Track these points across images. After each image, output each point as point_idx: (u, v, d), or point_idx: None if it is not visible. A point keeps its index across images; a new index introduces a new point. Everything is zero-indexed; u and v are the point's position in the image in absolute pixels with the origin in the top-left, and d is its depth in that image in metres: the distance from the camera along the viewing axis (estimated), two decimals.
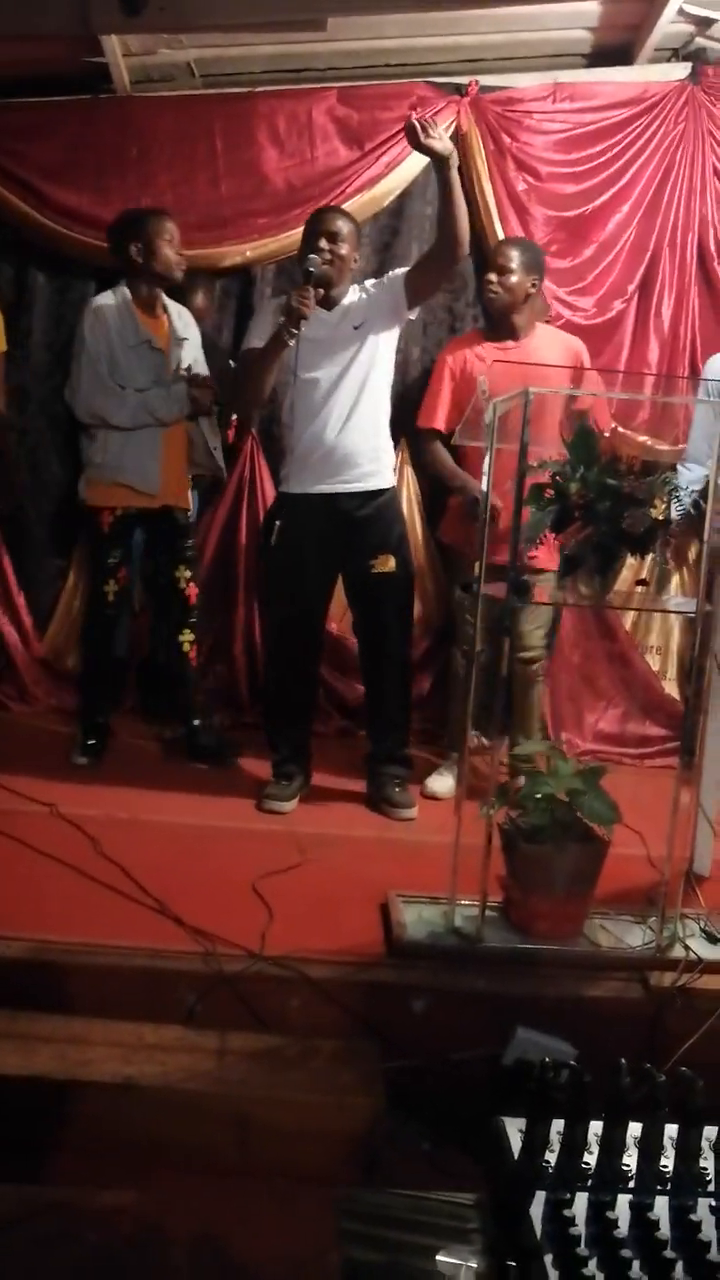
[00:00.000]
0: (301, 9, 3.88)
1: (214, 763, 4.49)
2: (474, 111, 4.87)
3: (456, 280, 4.95)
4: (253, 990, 2.99)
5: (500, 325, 4.40)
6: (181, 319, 4.43)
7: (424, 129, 3.67)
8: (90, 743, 4.48)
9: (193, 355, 4.40)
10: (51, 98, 4.78)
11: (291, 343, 3.87)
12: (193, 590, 4.51)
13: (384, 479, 4.11)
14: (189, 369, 4.34)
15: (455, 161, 3.84)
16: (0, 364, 4.60)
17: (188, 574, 4.49)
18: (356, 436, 4.02)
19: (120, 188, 4.74)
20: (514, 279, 4.27)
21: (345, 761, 4.47)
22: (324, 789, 4.32)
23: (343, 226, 4.00)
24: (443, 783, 4.42)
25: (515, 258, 4.28)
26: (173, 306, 4.44)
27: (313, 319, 3.90)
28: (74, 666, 5.04)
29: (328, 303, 3.99)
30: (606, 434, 4.23)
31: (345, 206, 4.61)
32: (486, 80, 4.90)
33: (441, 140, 3.74)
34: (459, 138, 4.85)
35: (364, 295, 4.05)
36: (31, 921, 3.14)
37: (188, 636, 4.52)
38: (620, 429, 4.82)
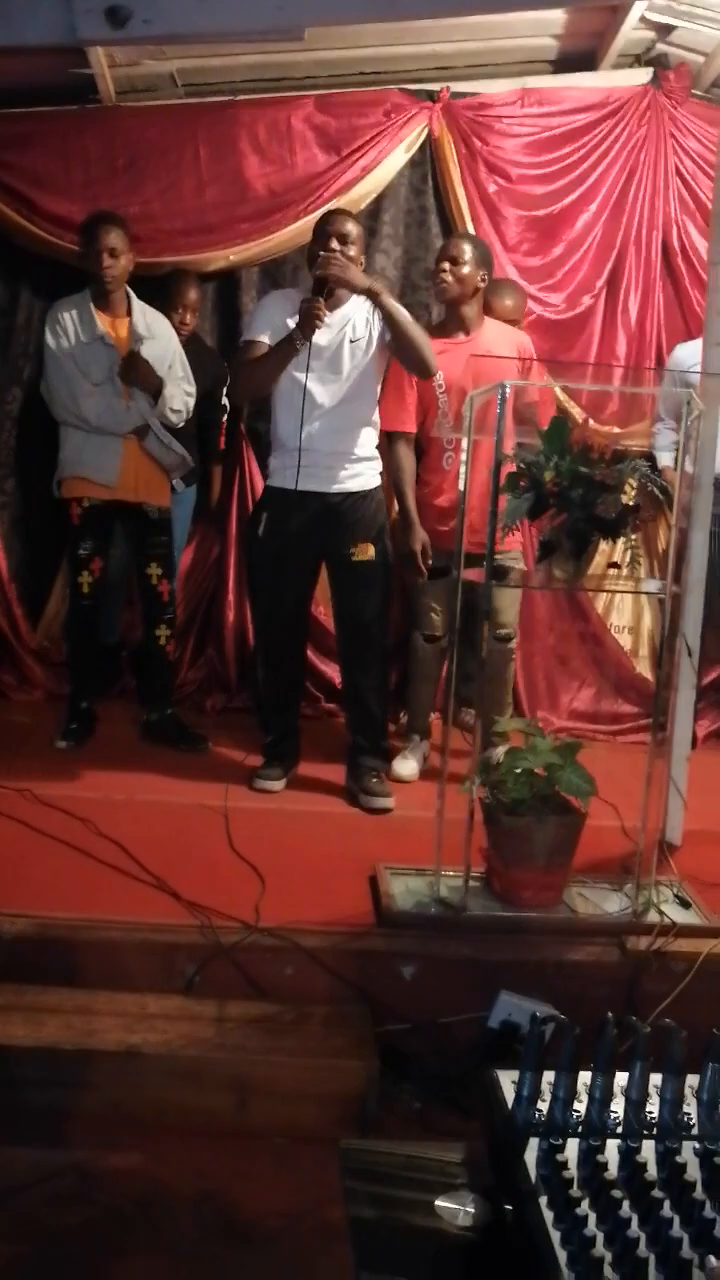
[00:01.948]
0: (279, 18, 3.97)
1: (187, 748, 4.59)
2: (446, 117, 4.98)
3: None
4: (249, 960, 3.11)
5: (449, 319, 4.47)
6: (145, 318, 4.52)
7: (336, 279, 3.90)
8: (73, 727, 4.59)
9: (156, 353, 4.49)
10: (39, 108, 4.87)
11: (301, 348, 3.95)
12: (165, 586, 4.64)
13: (367, 480, 4.21)
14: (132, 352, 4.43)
15: (381, 290, 4.01)
16: None
17: (159, 571, 4.61)
18: (344, 440, 4.12)
19: (108, 195, 4.82)
20: (466, 270, 4.32)
21: (331, 743, 4.56)
22: (311, 768, 4.41)
23: (352, 229, 4.08)
24: (407, 766, 4.48)
25: (468, 250, 4.35)
26: (140, 307, 4.55)
27: None
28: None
29: (332, 304, 4.05)
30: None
31: (323, 210, 4.73)
32: (458, 87, 5.02)
33: (356, 280, 3.93)
34: (431, 142, 5.00)
35: (368, 317, 4.10)
36: (36, 899, 3.25)
37: (163, 631, 4.66)
38: (591, 422, 4.96)
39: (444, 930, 3.26)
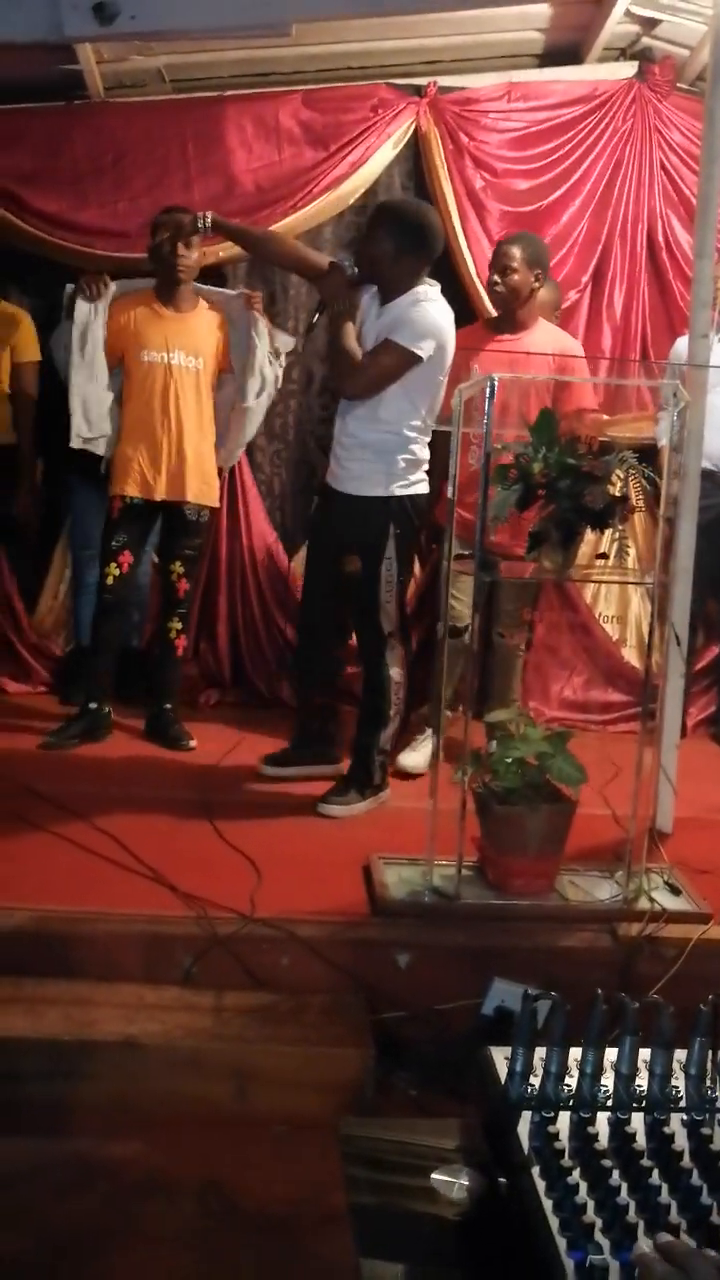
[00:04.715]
0: (266, 13, 3.98)
1: (172, 745, 4.55)
2: (433, 112, 5.00)
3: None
4: (245, 951, 3.12)
5: (504, 318, 4.48)
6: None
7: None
8: (73, 724, 4.55)
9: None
10: (26, 104, 4.86)
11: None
12: (183, 585, 4.64)
13: (374, 486, 3.95)
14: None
15: (342, 307, 3.89)
16: (34, 373, 4.80)
17: (180, 569, 4.62)
18: (357, 438, 3.94)
19: (97, 192, 4.83)
20: (517, 277, 4.35)
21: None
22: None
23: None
24: (414, 758, 4.46)
25: (517, 255, 4.35)
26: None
27: None
28: (62, 651, 5.16)
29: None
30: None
31: (311, 206, 4.76)
32: (444, 81, 5.03)
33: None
34: (418, 137, 5.01)
35: (369, 308, 3.97)
36: (33, 893, 3.27)
37: (175, 625, 4.66)
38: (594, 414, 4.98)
39: (438, 919, 3.29)
